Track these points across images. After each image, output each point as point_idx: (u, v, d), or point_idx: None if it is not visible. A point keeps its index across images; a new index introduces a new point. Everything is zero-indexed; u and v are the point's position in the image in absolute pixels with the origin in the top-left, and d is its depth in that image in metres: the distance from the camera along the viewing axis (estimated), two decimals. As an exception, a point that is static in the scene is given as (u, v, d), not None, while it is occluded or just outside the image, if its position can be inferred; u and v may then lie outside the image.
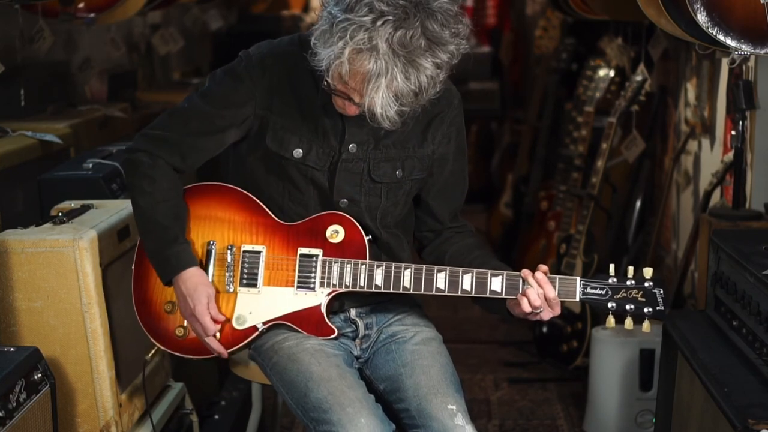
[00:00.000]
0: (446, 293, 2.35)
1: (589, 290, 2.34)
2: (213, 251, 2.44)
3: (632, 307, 2.34)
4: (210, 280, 2.43)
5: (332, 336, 2.42)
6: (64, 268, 2.49)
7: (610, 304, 2.34)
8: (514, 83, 8.30)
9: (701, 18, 2.78)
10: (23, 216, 3.09)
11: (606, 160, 4.50)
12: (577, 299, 2.34)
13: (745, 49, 2.81)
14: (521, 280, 2.33)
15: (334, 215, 2.43)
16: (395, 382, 2.40)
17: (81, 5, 3.90)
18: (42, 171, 3.23)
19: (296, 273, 2.41)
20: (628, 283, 2.34)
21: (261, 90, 2.39)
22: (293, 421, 3.87)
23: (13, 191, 3.20)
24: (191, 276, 2.38)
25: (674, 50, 4.68)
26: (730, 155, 3.50)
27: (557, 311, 2.34)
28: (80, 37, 4.78)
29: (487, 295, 2.35)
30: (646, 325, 2.34)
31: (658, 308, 2.33)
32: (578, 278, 2.34)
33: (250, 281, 2.43)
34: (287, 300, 2.42)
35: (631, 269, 2.36)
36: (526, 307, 2.31)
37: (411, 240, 2.59)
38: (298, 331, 2.42)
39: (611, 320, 2.35)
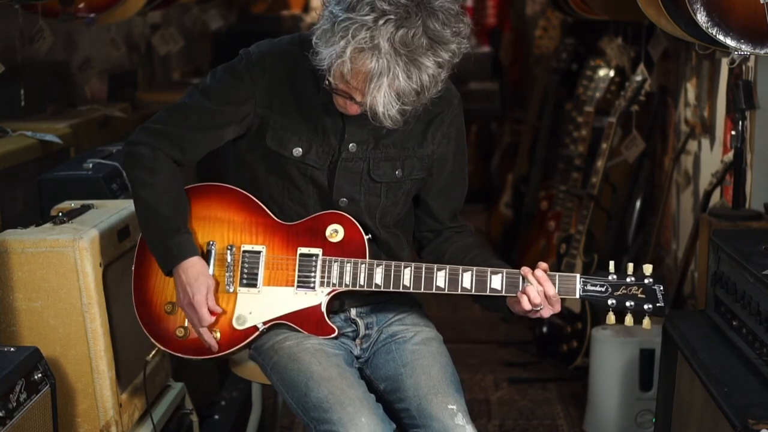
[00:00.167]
0: (446, 291, 2.36)
1: (588, 287, 2.34)
2: (213, 251, 2.44)
3: (632, 303, 2.34)
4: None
5: (333, 335, 2.42)
6: (64, 268, 2.49)
7: (610, 301, 2.34)
8: (514, 83, 8.30)
9: (701, 18, 2.78)
10: (23, 216, 3.09)
11: (606, 160, 4.50)
12: (577, 296, 2.34)
13: (745, 49, 2.81)
14: (521, 278, 2.33)
15: (333, 214, 2.43)
16: (395, 382, 2.40)
17: (81, 5, 3.90)
18: (42, 171, 3.23)
19: (296, 272, 2.41)
20: (628, 280, 2.34)
21: (261, 89, 2.39)
22: (293, 421, 3.87)
23: (13, 191, 3.20)
24: (192, 265, 2.38)
25: (674, 50, 4.68)
26: (730, 155, 3.50)
27: (557, 308, 2.34)
28: (80, 37, 4.79)
29: (487, 292, 2.35)
30: (646, 322, 2.34)
31: (658, 305, 2.33)
32: (578, 275, 2.34)
33: (250, 281, 2.43)
34: (287, 300, 2.42)
35: (630, 266, 2.36)
36: (526, 305, 2.31)
37: (410, 240, 2.59)
38: (299, 331, 2.42)
39: (611, 317, 2.35)
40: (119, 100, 4.84)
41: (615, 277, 2.35)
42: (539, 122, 6.13)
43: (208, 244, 2.44)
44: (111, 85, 5.04)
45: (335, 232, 2.42)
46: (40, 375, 2.24)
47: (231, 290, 2.43)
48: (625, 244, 4.89)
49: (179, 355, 2.47)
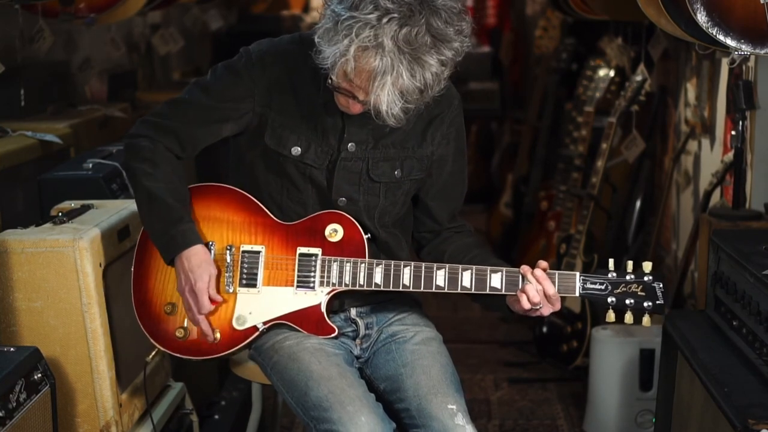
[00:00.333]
0: (446, 290, 2.36)
1: (588, 285, 2.34)
2: (212, 252, 2.44)
3: (632, 301, 2.34)
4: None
5: (332, 335, 2.42)
6: (64, 268, 2.49)
7: (609, 299, 2.34)
8: (514, 83, 8.30)
9: (701, 18, 2.78)
10: (23, 216, 3.09)
11: (606, 160, 4.50)
12: (577, 294, 2.34)
13: (745, 49, 2.81)
14: (521, 276, 2.33)
15: (332, 214, 2.43)
16: (395, 382, 2.40)
17: (81, 5, 3.90)
18: (42, 171, 3.22)
19: (296, 272, 2.41)
20: (628, 277, 2.34)
21: (260, 87, 2.39)
22: (293, 421, 3.87)
23: (13, 191, 3.20)
24: (196, 253, 2.37)
25: (674, 50, 4.68)
26: (730, 155, 3.50)
27: (557, 307, 2.34)
28: (80, 37, 4.78)
29: (487, 291, 2.35)
30: (646, 320, 2.34)
31: (657, 302, 2.33)
32: (578, 273, 2.34)
33: (250, 281, 2.43)
34: (287, 299, 2.42)
35: (630, 264, 2.36)
36: (526, 304, 2.31)
37: (409, 240, 2.59)
38: (299, 331, 2.42)
39: (611, 315, 2.35)
40: (119, 100, 4.84)
41: (615, 275, 2.35)
42: (539, 122, 6.13)
43: (207, 244, 2.44)
44: (111, 85, 5.04)
45: (334, 232, 2.42)
46: (40, 375, 2.24)
47: (231, 290, 2.43)
48: (625, 244, 4.89)
49: (179, 355, 2.47)
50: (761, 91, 3.45)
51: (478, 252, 2.51)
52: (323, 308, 2.41)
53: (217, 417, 3.48)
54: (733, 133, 3.46)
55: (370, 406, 2.27)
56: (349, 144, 2.40)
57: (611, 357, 3.78)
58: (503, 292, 2.35)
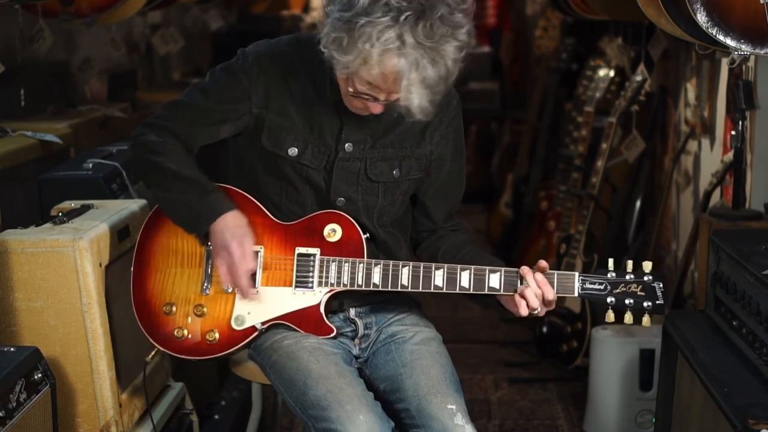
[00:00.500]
0: (444, 290, 2.36)
1: (587, 285, 2.34)
2: (212, 252, 2.45)
3: (631, 301, 2.34)
4: (208, 282, 2.43)
5: (331, 335, 2.42)
6: (64, 268, 2.49)
7: (609, 299, 2.34)
8: (514, 83, 8.30)
9: (701, 18, 2.78)
10: (23, 216, 3.09)
11: (606, 160, 4.50)
12: (576, 295, 2.34)
13: (745, 49, 2.81)
14: (519, 277, 2.33)
15: (331, 214, 2.43)
16: (395, 382, 2.40)
17: (82, 5, 3.90)
18: (42, 171, 3.22)
19: (294, 272, 2.41)
20: (627, 277, 2.34)
21: (257, 89, 2.40)
22: (293, 421, 3.87)
23: (13, 191, 3.20)
24: (234, 216, 2.37)
25: (674, 50, 4.68)
26: (730, 155, 3.50)
27: (553, 306, 2.34)
28: (80, 37, 4.78)
29: (486, 291, 2.35)
30: (646, 320, 2.34)
31: (657, 302, 2.33)
32: (576, 274, 2.34)
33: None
34: (286, 300, 2.42)
35: (630, 264, 2.36)
36: (524, 310, 2.31)
37: (408, 239, 2.59)
38: (297, 331, 2.42)
39: (610, 315, 2.35)
40: (119, 100, 4.84)
41: (614, 275, 2.35)
42: (539, 122, 6.13)
43: (207, 244, 2.44)
44: (111, 85, 5.04)
45: (333, 232, 2.42)
46: (40, 375, 2.24)
47: (229, 291, 2.43)
48: (625, 244, 4.89)
49: (178, 356, 2.47)
50: (761, 91, 3.45)
51: (470, 248, 2.51)
52: (322, 308, 2.41)
53: (217, 417, 3.48)
54: (733, 133, 3.46)
55: (369, 404, 2.27)
56: (346, 144, 2.41)
57: (611, 357, 3.78)
58: (502, 293, 2.35)
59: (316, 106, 2.40)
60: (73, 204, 2.76)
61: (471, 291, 2.35)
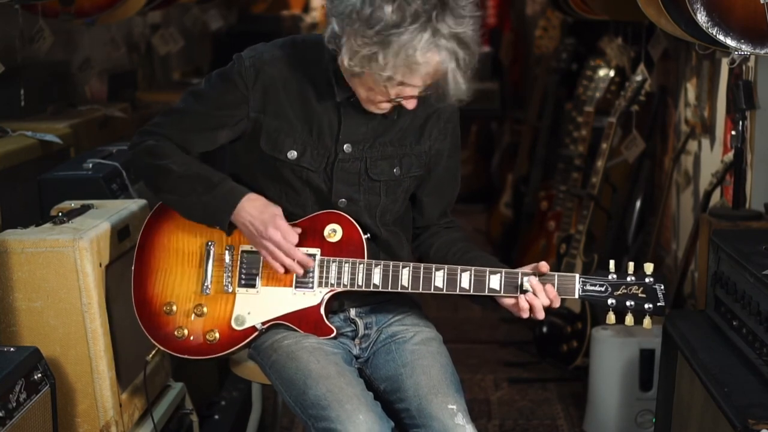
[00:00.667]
0: (444, 291, 2.36)
1: (588, 287, 2.34)
2: (212, 252, 2.45)
3: (632, 303, 2.34)
4: (209, 281, 2.43)
5: (331, 336, 2.42)
6: (64, 268, 2.49)
7: (609, 301, 2.34)
8: (514, 83, 8.30)
9: (701, 18, 2.78)
10: (23, 216, 3.09)
11: (606, 160, 4.50)
12: (576, 297, 2.34)
13: (745, 49, 2.81)
14: (520, 277, 2.33)
15: (331, 214, 2.43)
16: (395, 382, 2.40)
17: (83, 5, 3.89)
18: (42, 171, 3.22)
19: (294, 273, 2.41)
20: (629, 279, 2.34)
21: (254, 93, 2.39)
22: (293, 421, 3.87)
23: (13, 191, 3.20)
24: (252, 200, 2.37)
25: (674, 50, 4.68)
26: (730, 155, 3.50)
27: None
28: (80, 37, 4.79)
29: (486, 293, 2.35)
30: (647, 322, 2.34)
31: (658, 304, 2.33)
32: (577, 275, 2.34)
33: (249, 282, 2.43)
34: (286, 300, 2.42)
35: (631, 265, 2.35)
36: (525, 315, 2.32)
37: (410, 237, 2.59)
38: (297, 331, 2.42)
39: (611, 317, 2.34)
40: (119, 100, 4.84)
41: (615, 276, 2.35)
42: (539, 122, 6.13)
43: (207, 244, 2.45)
44: (111, 85, 5.04)
45: (333, 232, 2.42)
46: (40, 375, 2.24)
47: (230, 291, 2.43)
48: (625, 244, 4.89)
49: (179, 355, 2.47)
50: (761, 91, 3.45)
51: (463, 245, 2.52)
52: (322, 309, 2.41)
53: (217, 417, 3.48)
54: (733, 133, 3.46)
55: (369, 404, 2.27)
56: (345, 145, 2.41)
57: (611, 357, 3.78)
58: (502, 294, 2.35)
59: (314, 108, 2.40)
60: (73, 204, 2.76)
61: (471, 292, 2.35)
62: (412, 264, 2.38)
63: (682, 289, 4.06)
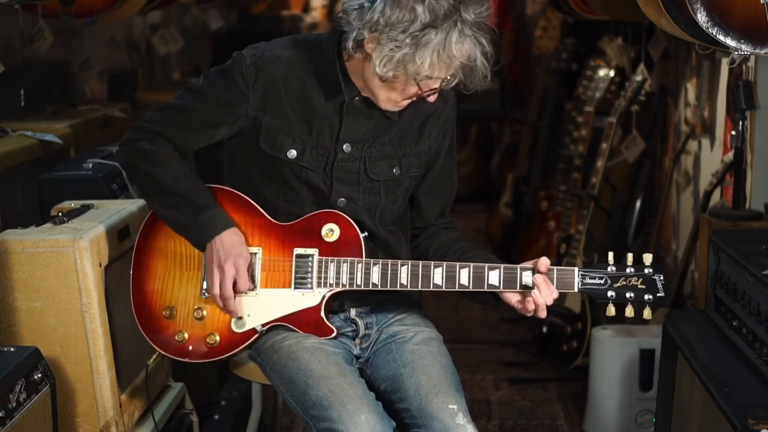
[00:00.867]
0: (444, 289, 2.36)
1: (587, 280, 2.33)
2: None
3: (632, 295, 2.33)
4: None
5: (331, 336, 2.42)
6: (64, 268, 2.49)
7: (609, 293, 2.33)
8: (514, 83, 8.29)
9: (701, 18, 2.78)
10: (23, 216, 3.09)
11: (606, 160, 4.50)
12: (576, 290, 2.33)
13: (745, 49, 2.81)
14: (519, 272, 2.33)
15: (328, 214, 2.43)
16: (396, 382, 2.40)
17: (83, 5, 3.89)
18: (42, 171, 3.22)
19: (293, 274, 2.41)
20: (628, 270, 2.34)
21: (254, 91, 2.39)
22: (293, 421, 3.87)
23: (13, 191, 3.20)
24: (229, 237, 2.37)
25: (674, 50, 4.68)
26: (730, 155, 3.50)
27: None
28: (80, 37, 4.78)
29: (485, 289, 2.35)
30: (647, 313, 2.33)
31: (658, 295, 2.32)
32: (576, 269, 2.34)
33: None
34: (285, 301, 2.42)
35: (630, 256, 2.34)
36: (529, 309, 2.32)
37: (408, 237, 2.59)
38: (298, 332, 2.42)
39: (611, 309, 2.34)
40: (119, 100, 4.85)
41: (614, 268, 2.34)
42: (539, 122, 6.13)
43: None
44: (111, 85, 5.04)
45: (331, 232, 2.42)
46: (40, 375, 2.24)
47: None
48: (625, 244, 4.89)
49: (179, 359, 2.46)
50: (761, 91, 3.45)
51: (462, 245, 2.52)
52: (321, 309, 2.41)
53: (217, 417, 3.48)
54: (733, 133, 3.46)
55: (370, 404, 2.27)
56: (345, 145, 2.41)
57: (611, 357, 3.78)
58: (501, 290, 2.35)
59: (315, 107, 2.40)
60: (73, 204, 2.76)
61: (470, 288, 2.35)
62: (410, 262, 2.38)
63: (682, 289, 4.05)
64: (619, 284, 2.33)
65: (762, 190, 3.47)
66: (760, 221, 3.27)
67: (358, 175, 2.44)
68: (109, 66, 5.17)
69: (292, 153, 2.40)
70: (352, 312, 2.52)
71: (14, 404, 2.11)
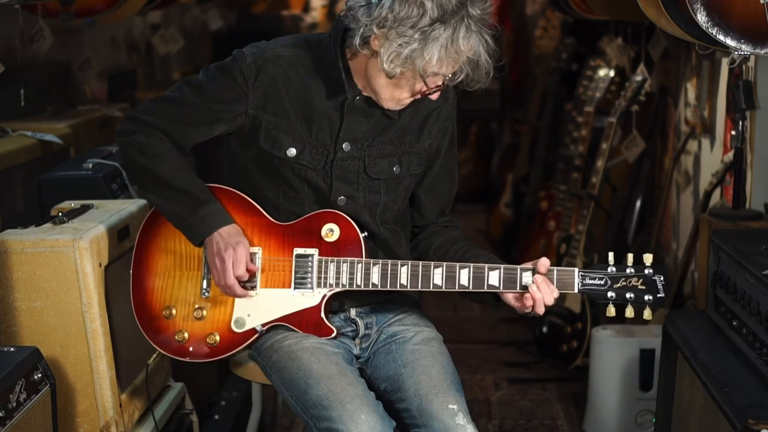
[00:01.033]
0: (444, 289, 2.35)
1: (587, 281, 2.33)
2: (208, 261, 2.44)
3: (632, 295, 2.33)
4: (207, 284, 2.43)
5: (331, 336, 2.42)
6: (64, 268, 2.49)
7: (609, 294, 2.33)
8: (514, 83, 8.29)
9: (701, 18, 2.78)
10: (23, 216, 3.09)
11: (606, 160, 4.50)
12: (576, 291, 2.33)
13: (745, 49, 2.81)
14: (519, 272, 2.33)
15: (328, 213, 2.43)
16: (396, 382, 2.40)
17: (83, 5, 3.90)
18: (42, 171, 3.22)
19: (293, 274, 2.41)
20: (628, 271, 2.33)
21: (254, 90, 2.39)
22: (293, 421, 3.87)
23: (13, 191, 3.20)
24: (229, 231, 2.37)
25: (674, 50, 4.67)
26: (730, 155, 3.50)
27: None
28: (80, 37, 4.78)
29: (485, 289, 2.35)
30: (647, 314, 2.33)
31: (658, 296, 2.32)
32: (576, 270, 2.33)
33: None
34: (285, 301, 2.42)
35: (630, 257, 2.34)
36: (527, 306, 2.32)
37: (408, 236, 2.59)
38: (298, 332, 2.42)
39: (611, 309, 2.34)
40: (119, 100, 4.85)
41: (614, 269, 2.34)
42: (539, 122, 6.13)
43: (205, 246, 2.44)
44: (111, 85, 5.04)
45: (330, 232, 2.42)
46: (40, 375, 2.24)
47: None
48: (625, 244, 4.89)
49: (180, 359, 2.47)
50: (761, 91, 3.45)
51: (463, 244, 2.51)
52: (321, 309, 2.41)
53: (217, 417, 3.48)
54: (733, 133, 3.46)
55: (370, 404, 2.27)
56: (344, 144, 2.41)
57: (611, 357, 3.78)
58: (501, 290, 2.35)
59: (315, 106, 2.40)
60: (73, 204, 2.76)
61: (470, 289, 2.35)
62: (410, 262, 2.38)
63: (682, 289, 4.05)
64: (619, 285, 2.33)
65: (762, 190, 3.47)
66: (760, 221, 3.27)
67: (358, 174, 2.44)
68: (109, 66, 5.17)
69: (292, 151, 2.40)
70: (352, 312, 2.52)
71: (14, 404, 2.11)
